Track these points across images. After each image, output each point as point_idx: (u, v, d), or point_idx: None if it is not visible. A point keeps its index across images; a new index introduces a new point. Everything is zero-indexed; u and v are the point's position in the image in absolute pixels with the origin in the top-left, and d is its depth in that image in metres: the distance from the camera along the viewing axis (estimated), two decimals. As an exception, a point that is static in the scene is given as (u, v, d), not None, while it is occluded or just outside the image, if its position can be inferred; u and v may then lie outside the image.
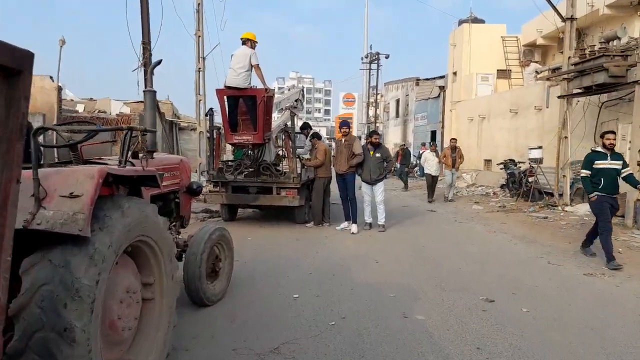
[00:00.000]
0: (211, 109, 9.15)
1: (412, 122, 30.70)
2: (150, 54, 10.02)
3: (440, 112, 25.68)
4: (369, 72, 38.06)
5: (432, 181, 14.59)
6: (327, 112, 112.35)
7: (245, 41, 8.67)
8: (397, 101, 34.85)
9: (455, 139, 14.89)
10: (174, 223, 5.21)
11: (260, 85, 8.62)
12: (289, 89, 13.50)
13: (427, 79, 29.08)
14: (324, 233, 8.93)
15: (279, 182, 9.04)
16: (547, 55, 21.53)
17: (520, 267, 6.68)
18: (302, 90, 13.08)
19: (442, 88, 25.62)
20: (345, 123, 9.29)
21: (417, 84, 30.25)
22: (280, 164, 9.52)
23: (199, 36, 15.14)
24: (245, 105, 8.77)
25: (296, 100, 12.40)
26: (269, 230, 9.23)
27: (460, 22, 24.30)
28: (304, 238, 8.46)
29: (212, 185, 9.40)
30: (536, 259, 7.26)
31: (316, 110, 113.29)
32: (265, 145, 9.36)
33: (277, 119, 11.44)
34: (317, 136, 9.58)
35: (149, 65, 9.98)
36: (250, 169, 9.39)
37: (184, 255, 4.77)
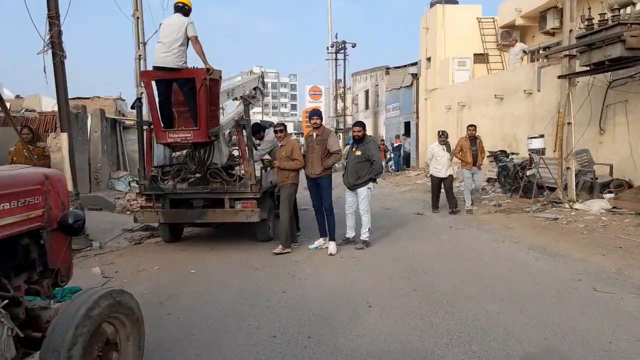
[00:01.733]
0: (139, 98, 6.94)
1: (384, 114, 28.95)
2: (59, 31, 7.70)
3: (413, 101, 23.96)
4: (336, 63, 36.14)
5: (440, 184, 10.79)
6: (293, 107, 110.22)
7: (179, 7, 6.54)
8: (367, 92, 33.03)
9: (474, 126, 10.83)
10: (38, 283, 3.12)
11: (200, 65, 6.49)
12: (247, 74, 11.19)
13: (398, 67, 27.34)
14: (293, 256, 6.89)
15: (233, 192, 6.95)
16: (527, 37, 20.01)
17: (565, 302, 4.82)
18: (262, 77, 10.96)
19: (415, 76, 23.90)
20: (315, 112, 7.25)
21: (387, 73, 28.47)
22: (236, 168, 7.41)
23: (138, 17, 12.83)
24: (181, 93, 6.64)
25: (254, 89, 10.34)
26: (221, 254, 7.13)
27: (433, 4, 22.57)
28: (267, 265, 6.40)
29: (144, 199, 7.22)
30: (575, 283, 5.44)
31: (282, 105, 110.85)
32: (214, 143, 7.25)
33: (231, 111, 9.34)
34: (284, 128, 7.38)
35: (57, 46, 7.68)
36: (196, 175, 7.27)
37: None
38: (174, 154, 7.81)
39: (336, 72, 36.34)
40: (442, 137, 10.69)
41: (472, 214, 10.37)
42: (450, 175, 10.79)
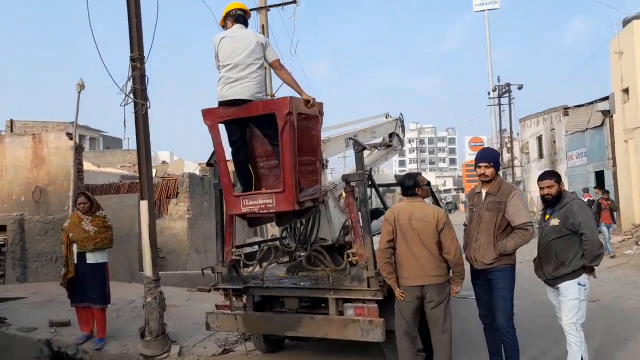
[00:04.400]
0: (214, 152, 4.94)
1: (564, 163, 23.94)
2: (143, 75, 6.29)
3: (607, 145, 19.00)
4: (499, 108, 32.13)
5: None
6: (452, 161, 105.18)
7: (239, 16, 4.52)
8: (539, 138, 28.24)
9: None
10: None
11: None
12: (385, 117, 8.79)
13: (580, 106, 22.50)
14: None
15: (341, 288, 4.37)
16: None
17: None
18: (401, 121, 8.51)
19: (607, 113, 19.03)
20: (485, 155, 4.33)
21: (566, 114, 23.71)
22: (350, 247, 4.84)
23: (266, 67, 11.50)
24: (262, 136, 4.49)
25: (391, 135, 7.97)
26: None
27: (626, 22, 17.98)
28: None
29: (222, 295, 5.04)
30: None
31: (440, 160, 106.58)
32: (319, 208, 4.87)
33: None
34: (409, 184, 4.16)
35: (139, 94, 6.25)
36: (298, 256, 4.93)
37: None
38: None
39: (500, 118, 32.31)
40: None
41: None
42: None
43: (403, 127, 8.60)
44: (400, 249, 3.98)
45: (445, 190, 65.97)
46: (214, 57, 4.47)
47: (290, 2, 11.91)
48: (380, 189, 7.98)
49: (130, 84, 6.18)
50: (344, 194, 5.28)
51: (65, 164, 9.59)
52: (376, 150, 7.68)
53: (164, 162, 16.94)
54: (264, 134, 4.42)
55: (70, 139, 9.61)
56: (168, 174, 15.59)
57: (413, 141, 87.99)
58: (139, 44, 6.33)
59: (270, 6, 12.15)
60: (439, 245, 3.94)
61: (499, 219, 4.00)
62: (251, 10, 12.97)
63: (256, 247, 5.71)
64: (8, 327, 6.04)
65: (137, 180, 13.47)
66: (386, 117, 8.32)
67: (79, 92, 9.50)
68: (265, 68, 4.96)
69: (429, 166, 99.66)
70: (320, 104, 4.59)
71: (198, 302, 8.15)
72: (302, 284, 4.65)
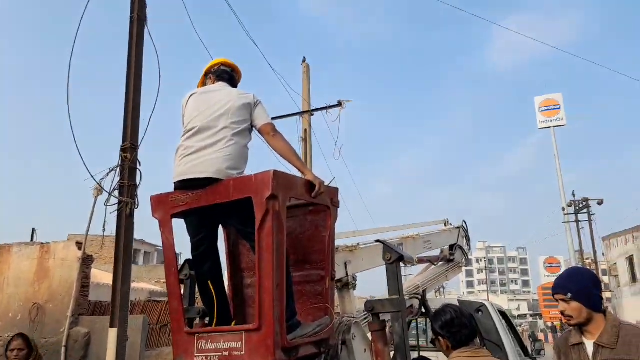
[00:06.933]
0: (188, 260, 3.40)
1: (667, 288, 20.26)
2: (135, 168, 5.11)
3: None
4: (577, 225, 29.00)
5: None
6: (525, 283, 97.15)
7: (223, 72, 3.18)
8: (630, 259, 24.63)
9: None
10: None
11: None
12: (444, 225, 7.03)
13: (679, 221, 19.46)
14: None
15: None
16: None
17: None
18: (465, 230, 6.75)
19: None
20: (561, 283, 2.29)
21: (662, 231, 20.59)
22: None
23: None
24: (240, 237, 2.95)
25: (452, 247, 6.24)
26: None
27: None
28: None
29: None
30: None
31: (512, 282, 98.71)
32: (338, 354, 3.07)
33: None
34: (464, 322, 2.41)
35: (129, 190, 5.01)
36: None
37: None
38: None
39: (579, 237, 28.98)
40: None
41: None
42: None
43: (468, 237, 6.78)
44: None
45: (520, 316, 59.40)
46: (181, 124, 3.11)
47: (335, 106, 11.10)
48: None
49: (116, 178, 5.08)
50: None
51: (70, 277, 8.36)
52: (433, 265, 5.89)
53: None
54: (240, 233, 2.86)
55: (80, 248, 8.47)
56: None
57: (481, 260, 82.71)
58: (133, 132, 5.28)
59: (314, 110, 11.37)
60: None
61: None
62: (294, 115, 12.31)
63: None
64: None
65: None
66: (445, 225, 6.57)
67: (95, 197, 8.55)
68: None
69: (499, 288, 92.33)
70: (334, 191, 3.01)
71: None
72: None
